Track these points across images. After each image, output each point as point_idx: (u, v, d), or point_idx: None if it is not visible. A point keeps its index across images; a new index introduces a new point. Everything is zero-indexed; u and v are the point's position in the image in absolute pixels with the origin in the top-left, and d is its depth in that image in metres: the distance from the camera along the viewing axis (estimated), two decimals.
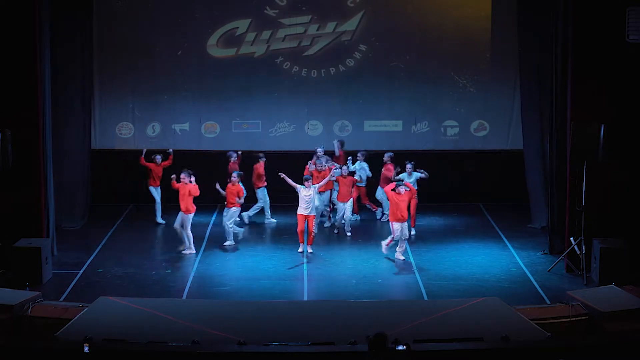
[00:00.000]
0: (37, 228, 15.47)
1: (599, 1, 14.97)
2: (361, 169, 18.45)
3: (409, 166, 17.69)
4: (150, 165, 18.27)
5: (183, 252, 16.45)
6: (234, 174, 17.01)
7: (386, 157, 18.23)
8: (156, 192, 18.32)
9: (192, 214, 16.49)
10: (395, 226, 16.01)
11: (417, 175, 17.67)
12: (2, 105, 15.24)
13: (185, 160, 19.52)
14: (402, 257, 16.07)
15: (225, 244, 16.92)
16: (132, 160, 19.13)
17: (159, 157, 18.34)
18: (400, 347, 9.92)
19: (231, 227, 16.94)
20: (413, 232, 17.59)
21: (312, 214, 16.58)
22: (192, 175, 16.53)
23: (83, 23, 18.03)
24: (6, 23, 15.11)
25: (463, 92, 19.85)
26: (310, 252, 16.52)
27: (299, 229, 16.62)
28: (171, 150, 18.72)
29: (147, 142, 19.89)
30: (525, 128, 18.13)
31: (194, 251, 16.47)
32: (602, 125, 14.67)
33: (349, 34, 19.70)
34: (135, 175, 18.91)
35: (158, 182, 18.32)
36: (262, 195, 18.39)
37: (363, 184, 18.53)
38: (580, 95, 15.14)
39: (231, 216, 16.92)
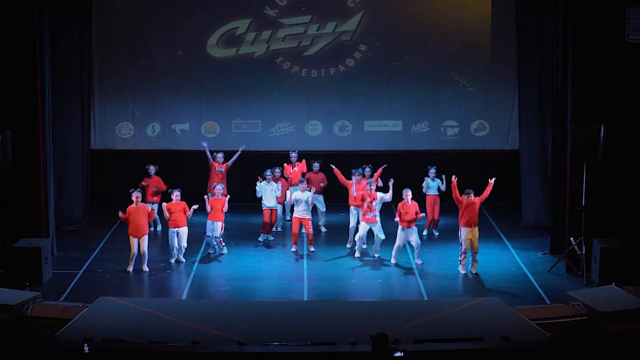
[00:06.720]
0: (37, 228, 15.47)
1: (599, 1, 14.98)
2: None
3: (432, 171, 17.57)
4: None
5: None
6: (218, 187, 16.62)
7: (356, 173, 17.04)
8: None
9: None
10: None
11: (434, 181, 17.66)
12: (2, 105, 15.25)
13: (185, 160, 19.57)
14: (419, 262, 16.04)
15: (223, 252, 16.57)
16: (132, 160, 19.09)
17: (152, 168, 17.84)
18: (397, 354, 9.91)
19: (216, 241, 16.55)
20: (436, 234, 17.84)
21: (307, 217, 16.52)
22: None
23: (83, 23, 18.01)
24: (6, 23, 15.13)
25: (463, 92, 19.83)
26: (312, 251, 16.55)
27: (293, 231, 16.61)
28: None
29: (147, 142, 19.90)
30: (522, 128, 18.13)
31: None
32: (602, 125, 14.67)
33: (349, 34, 19.69)
34: (135, 176, 18.86)
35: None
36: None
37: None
38: (580, 95, 15.15)
39: (217, 229, 16.41)
